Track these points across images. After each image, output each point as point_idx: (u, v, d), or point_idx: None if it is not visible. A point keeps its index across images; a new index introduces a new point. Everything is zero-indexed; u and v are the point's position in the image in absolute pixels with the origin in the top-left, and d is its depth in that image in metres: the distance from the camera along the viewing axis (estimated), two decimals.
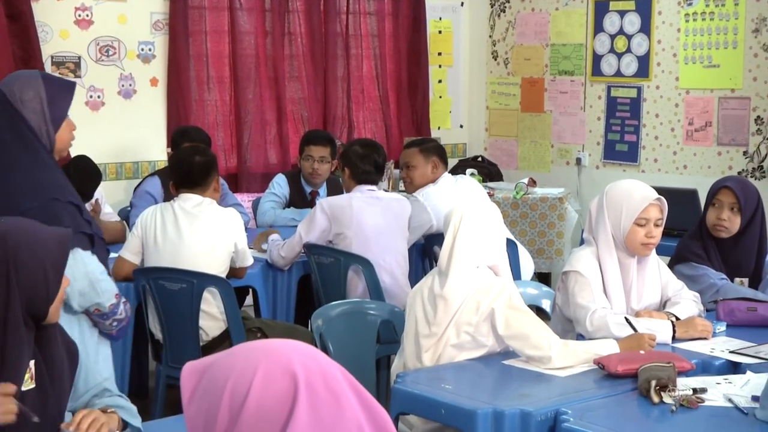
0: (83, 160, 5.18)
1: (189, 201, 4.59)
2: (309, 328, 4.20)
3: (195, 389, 1.53)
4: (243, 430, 1.46)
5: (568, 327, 3.79)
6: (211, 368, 1.54)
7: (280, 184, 6.15)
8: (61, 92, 3.43)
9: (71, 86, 3.56)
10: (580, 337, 3.68)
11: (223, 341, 4.47)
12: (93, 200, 5.20)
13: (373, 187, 5.19)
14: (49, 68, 6.35)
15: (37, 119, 3.32)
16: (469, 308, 3.42)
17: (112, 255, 4.81)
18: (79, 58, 6.53)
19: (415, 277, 5.17)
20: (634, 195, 3.77)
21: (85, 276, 3.44)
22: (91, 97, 6.58)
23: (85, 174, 5.02)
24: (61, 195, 3.28)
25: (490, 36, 8.42)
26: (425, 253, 5.68)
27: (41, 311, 2.57)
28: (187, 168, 4.65)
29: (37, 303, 2.55)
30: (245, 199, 6.46)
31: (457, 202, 4.07)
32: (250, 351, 1.55)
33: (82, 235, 3.41)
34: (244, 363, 1.53)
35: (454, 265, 3.45)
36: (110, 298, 3.56)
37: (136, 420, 2.72)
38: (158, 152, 6.79)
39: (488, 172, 7.86)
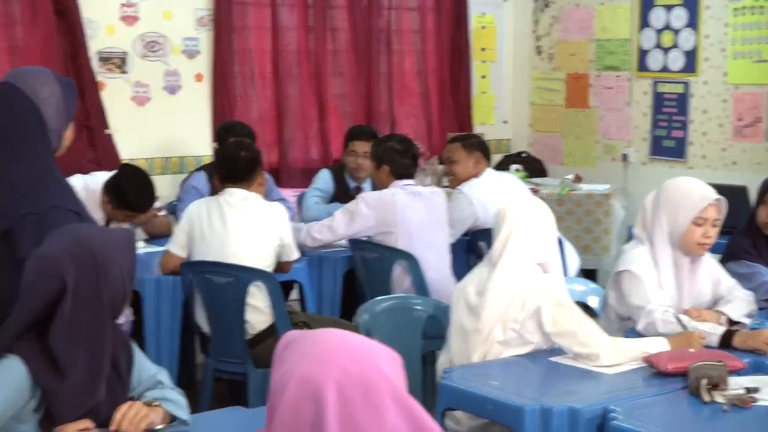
0: (136, 173, 5.13)
1: (235, 195, 4.62)
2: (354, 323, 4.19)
3: (278, 360, 1.65)
4: (278, 423, 1.57)
5: (620, 325, 3.75)
6: (288, 347, 1.64)
7: (324, 179, 6.16)
8: (71, 91, 3.31)
9: (74, 85, 3.41)
10: (630, 334, 3.64)
11: (269, 335, 4.48)
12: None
13: (411, 182, 5.19)
14: (96, 64, 6.40)
15: (53, 117, 3.16)
16: (516, 305, 3.40)
17: (159, 249, 4.87)
18: (126, 53, 6.57)
19: (459, 272, 5.15)
20: (693, 194, 3.72)
21: None
22: (137, 92, 6.62)
23: (140, 189, 4.99)
24: (61, 202, 3.07)
25: (534, 31, 8.37)
26: (470, 248, 5.66)
27: (119, 314, 2.66)
28: (233, 163, 4.68)
29: (116, 306, 2.63)
30: (289, 194, 6.47)
31: (502, 196, 4.05)
32: (309, 344, 1.64)
33: None
34: (294, 357, 1.61)
35: (505, 259, 3.44)
36: None
37: (183, 413, 2.73)
38: (203, 147, 6.81)
39: (532, 168, 7.82)
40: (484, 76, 8.39)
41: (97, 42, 6.42)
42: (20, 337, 2.54)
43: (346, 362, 1.59)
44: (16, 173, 3.00)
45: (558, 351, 3.42)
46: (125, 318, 3.55)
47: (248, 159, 4.70)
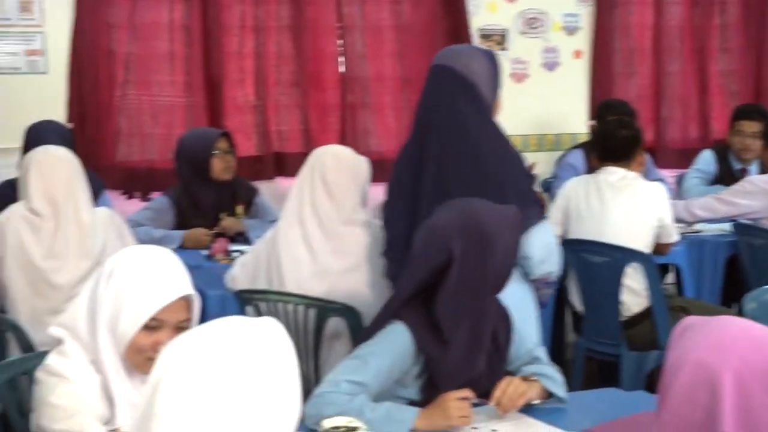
0: None
1: (614, 174, 4.54)
2: (737, 312, 3.98)
3: (674, 342, 1.63)
4: (671, 404, 1.56)
5: None
6: (687, 331, 1.62)
7: (706, 160, 5.91)
8: (496, 63, 3.43)
9: (497, 57, 3.54)
10: None
11: (644, 318, 4.36)
12: None
13: None
14: (476, 41, 6.50)
15: (486, 92, 3.30)
16: None
17: None
18: (506, 30, 6.63)
19: None
20: None
21: (546, 245, 3.41)
22: (516, 69, 6.66)
23: None
24: (525, 167, 3.30)
25: None
26: None
27: (501, 289, 2.68)
28: (612, 141, 4.63)
29: (499, 282, 2.66)
30: (666, 175, 6.27)
31: None
32: (709, 330, 1.59)
33: (535, 206, 3.38)
34: (692, 341, 1.60)
35: None
36: (558, 269, 3.55)
37: (560, 390, 2.70)
38: (579, 125, 6.74)
39: None
40: None
41: (478, 19, 6.53)
42: (407, 304, 2.61)
43: (747, 352, 1.54)
44: (484, 148, 3.21)
45: None
46: (549, 290, 3.58)
47: (628, 137, 4.62)
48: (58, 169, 3.58)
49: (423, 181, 3.23)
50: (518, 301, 3.16)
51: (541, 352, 2.81)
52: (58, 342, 2.30)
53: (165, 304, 2.23)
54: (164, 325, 2.24)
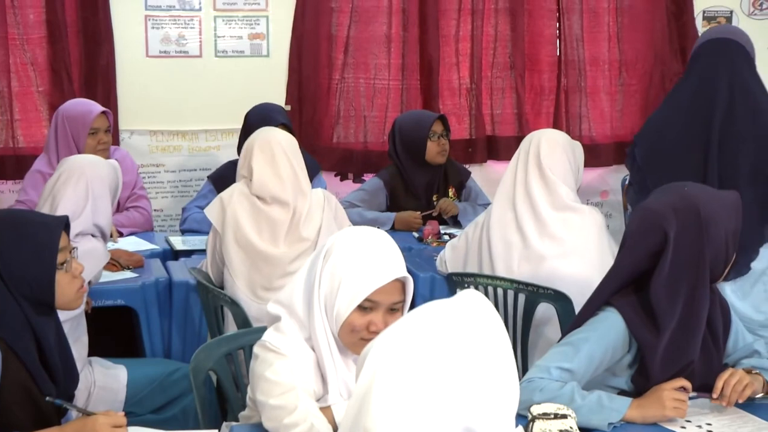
0: None
1: None
2: None
3: None
4: None
5: None
6: None
7: None
8: None
9: None
10: None
11: None
12: None
13: None
14: (699, 23, 6.28)
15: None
16: None
17: None
18: (731, 12, 6.37)
19: None
20: None
21: None
22: None
23: None
24: None
25: None
26: None
27: (718, 277, 2.58)
28: None
29: (717, 268, 2.56)
30: None
31: None
32: None
33: None
34: None
35: None
36: None
37: None
38: None
39: None
40: None
41: (701, 1, 6.30)
42: (619, 291, 2.56)
43: None
44: None
45: None
46: None
47: None
48: (282, 151, 3.66)
49: (711, 141, 3.26)
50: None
51: (761, 346, 2.69)
52: (276, 318, 2.36)
53: (380, 285, 2.24)
54: (378, 307, 2.26)
